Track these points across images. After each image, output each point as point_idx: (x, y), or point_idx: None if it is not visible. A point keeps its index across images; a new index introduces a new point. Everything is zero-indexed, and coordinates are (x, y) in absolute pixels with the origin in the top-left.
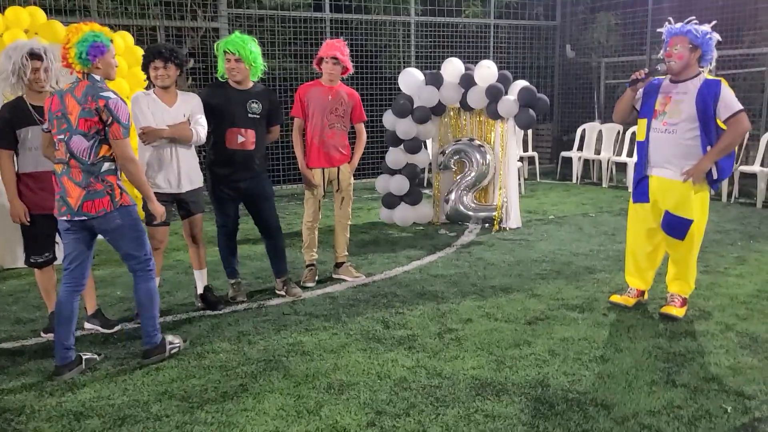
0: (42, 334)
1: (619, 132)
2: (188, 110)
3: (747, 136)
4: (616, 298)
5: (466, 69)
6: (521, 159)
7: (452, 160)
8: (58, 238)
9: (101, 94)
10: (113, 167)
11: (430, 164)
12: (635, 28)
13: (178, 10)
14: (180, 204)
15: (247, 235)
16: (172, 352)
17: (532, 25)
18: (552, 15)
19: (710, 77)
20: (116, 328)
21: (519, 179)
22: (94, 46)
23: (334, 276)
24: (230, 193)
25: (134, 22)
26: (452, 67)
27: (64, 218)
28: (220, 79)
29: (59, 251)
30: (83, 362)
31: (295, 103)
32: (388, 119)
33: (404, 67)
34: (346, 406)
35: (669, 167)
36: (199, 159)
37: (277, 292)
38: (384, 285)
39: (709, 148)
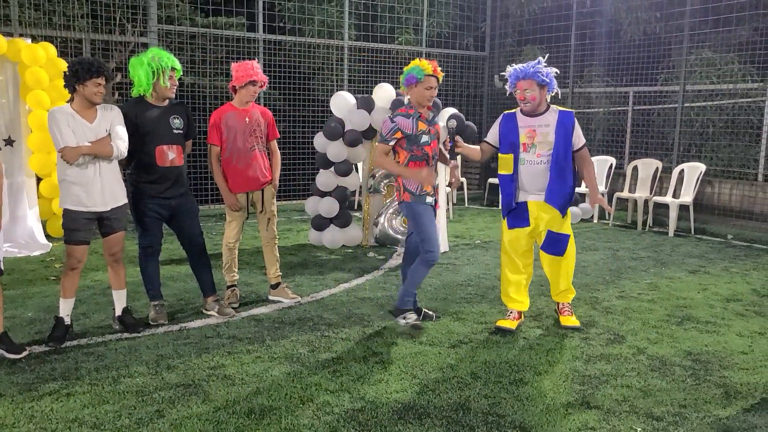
0: None
1: None
2: (108, 124)
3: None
4: (503, 323)
5: (397, 95)
6: (449, 184)
7: (382, 184)
8: None
9: None
10: None
11: (360, 187)
12: (559, 61)
13: (106, 24)
14: (101, 222)
15: (171, 256)
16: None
17: (462, 55)
18: (481, 46)
19: (561, 108)
20: (24, 353)
21: (447, 204)
22: None
23: (270, 297)
24: (159, 211)
25: (59, 33)
26: (383, 92)
27: None
28: (147, 96)
29: None
30: None
31: (212, 131)
32: (319, 141)
33: (337, 90)
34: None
35: (541, 193)
36: (124, 177)
37: (206, 312)
38: (311, 308)
39: (557, 172)
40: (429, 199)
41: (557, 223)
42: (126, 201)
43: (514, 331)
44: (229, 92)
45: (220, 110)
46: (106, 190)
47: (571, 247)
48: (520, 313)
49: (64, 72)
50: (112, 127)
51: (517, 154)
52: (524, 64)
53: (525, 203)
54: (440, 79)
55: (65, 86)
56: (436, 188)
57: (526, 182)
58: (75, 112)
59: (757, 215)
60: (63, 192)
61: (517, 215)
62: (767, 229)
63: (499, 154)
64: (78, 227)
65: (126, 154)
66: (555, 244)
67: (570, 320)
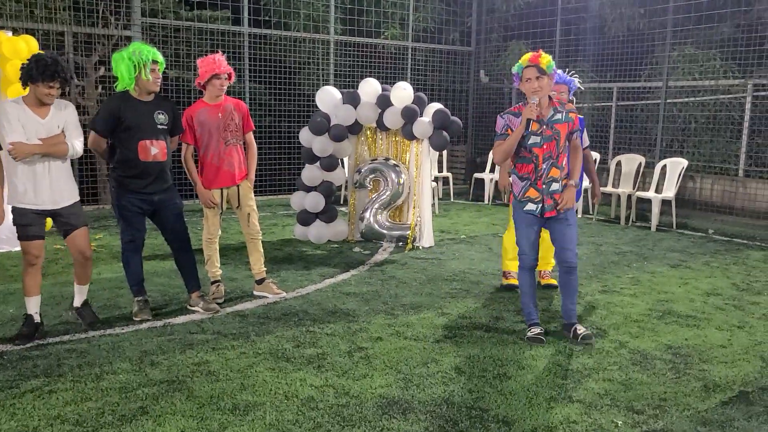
0: None
1: None
2: (62, 121)
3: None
4: (509, 281)
5: (383, 90)
6: (436, 179)
7: (368, 179)
8: None
9: None
10: None
11: (345, 182)
12: None
13: (89, 16)
14: (57, 219)
15: (155, 251)
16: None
17: (448, 50)
18: (467, 41)
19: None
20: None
21: (433, 199)
22: None
23: (255, 293)
24: (141, 206)
25: (40, 26)
26: (369, 87)
27: None
28: (131, 91)
29: None
30: None
31: (185, 129)
32: (305, 136)
33: (323, 84)
34: (250, 427)
35: None
36: (106, 173)
37: (191, 308)
38: (296, 303)
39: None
40: (530, 206)
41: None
42: (78, 199)
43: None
44: None
45: (191, 108)
46: (54, 188)
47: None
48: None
49: (22, 65)
50: (66, 126)
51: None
52: (562, 72)
53: None
54: (545, 65)
55: (20, 79)
56: (548, 196)
57: None
58: (26, 107)
59: (737, 210)
60: (10, 189)
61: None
62: (747, 224)
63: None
64: (29, 222)
65: (81, 153)
66: None
67: (551, 280)
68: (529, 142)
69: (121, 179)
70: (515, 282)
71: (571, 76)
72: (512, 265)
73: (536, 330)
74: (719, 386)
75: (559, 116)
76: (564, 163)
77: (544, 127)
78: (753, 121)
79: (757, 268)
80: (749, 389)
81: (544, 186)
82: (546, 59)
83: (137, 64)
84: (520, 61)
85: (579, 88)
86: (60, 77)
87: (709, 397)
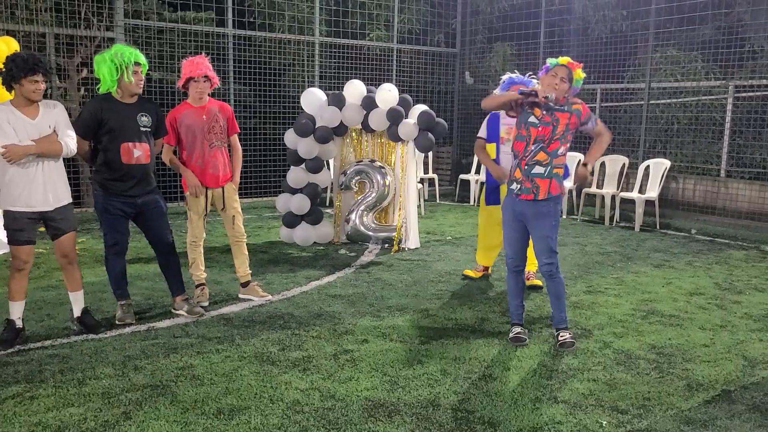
0: None
1: None
2: (53, 121)
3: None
4: (467, 272)
5: (368, 91)
6: (421, 181)
7: (353, 181)
8: None
9: None
10: None
11: (331, 184)
12: (528, 58)
13: (71, 18)
14: (47, 224)
15: (138, 254)
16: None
17: (433, 52)
18: (452, 43)
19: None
20: None
21: (419, 200)
22: None
23: (241, 296)
24: (124, 209)
25: (21, 27)
26: (354, 89)
27: None
28: (114, 93)
29: None
30: None
31: (168, 130)
32: (290, 138)
33: (308, 86)
34: None
35: None
36: (89, 176)
37: (175, 311)
38: (281, 306)
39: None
40: (513, 186)
41: None
42: (71, 201)
43: (476, 279)
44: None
45: (175, 109)
46: (48, 188)
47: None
48: (486, 267)
49: (0, 70)
50: (58, 125)
51: (498, 144)
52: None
53: (498, 187)
54: (575, 76)
55: (3, 84)
56: (528, 179)
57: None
58: (15, 109)
59: (719, 210)
60: (3, 192)
61: (493, 195)
62: (729, 224)
63: (486, 143)
64: (21, 227)
65: (75, 151)
66: None
67: (535, 281)
68: (528, 120)
69: (103, 182)
70: (471, 274)
71: (529, 77)
72: (480, 257)
73: (516, 330)
74: (702, 385)
75: (564, 107)
76: (557, 151)
77: (544, 113)
78: (734, 122)
79: (739, 268)
80: (732, 388)
81: (527, 167)
82: (579, 74)
83: (119, 66)
84: (558, 59)
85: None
86: (41, 69)
87: (693, 396)
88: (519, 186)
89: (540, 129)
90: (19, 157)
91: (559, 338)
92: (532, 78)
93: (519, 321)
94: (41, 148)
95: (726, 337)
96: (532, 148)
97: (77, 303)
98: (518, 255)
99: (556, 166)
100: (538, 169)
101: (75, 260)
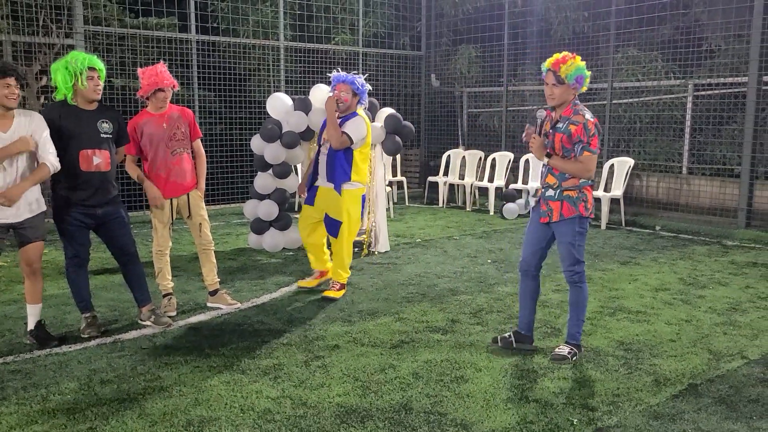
0: None
1: (480, 158)
2: (28, 133)
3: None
4: (302, 283)
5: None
6: (390, 183)
7: None
8: None
9: None
10: None
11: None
12: (493, 60)
13: (29, 25)
14: (17, 231)
15: (103, 264)
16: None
17: (398, 55)
18: (418, 45)
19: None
20: None
21: (388, 203)
22: None
23: (209, 305)
24: (84, 221)
25: None
26: (321, 93)
27: None
28: (69, 100)
29: None
30: None
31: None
32: (256, 144)
33: (274, 91)
34: None
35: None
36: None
37: (142, 322)
38: (251, 313)
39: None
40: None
41: (333, 210)
42: (43, 210)
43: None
44: None
45: (135, 118)
46: (21, 201)
47: (347, 233)
48: (323, 272)
49: None
50: (38, 143)
51: (320, 146)
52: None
53: (316, 187)
54: (564, 73)
55: None
56: (543, 202)
57: (320, 169)
58: None
59: (682, 206)
60: None
61: (310, 195)
62: (692, 220)
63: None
64: None
65: (59, 166)
66: (328, 226)
67: (330, 292)
68: (546, 141)
69: (60, 191)
70: (306, 284)
71: (353, 74)
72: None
73: (506, 334)
74: (669, 380)
75: (560, 125)
76: (564, 174)
77: (550, 131)
78: (694, 120)
79: (703, 263)
80: (698, 381)
81: (543, 189)
82: (567, 67)
83: (74, 73)
84: (546, 62)
85: (367, 87)
86: (13, 73)
87: (660, 391)
88: (538, 208)
89: (548, 149)
90: (11, 203)
91: (557, 349)
92: (356, 75)
93: (519, 328)
94: (8, 152)
95: (691, 331)
96: (543, 170)
97: (33, 316)
98: (529, 258)
99: (566, 189)
100: (549, 192)
101: (39, 270)
